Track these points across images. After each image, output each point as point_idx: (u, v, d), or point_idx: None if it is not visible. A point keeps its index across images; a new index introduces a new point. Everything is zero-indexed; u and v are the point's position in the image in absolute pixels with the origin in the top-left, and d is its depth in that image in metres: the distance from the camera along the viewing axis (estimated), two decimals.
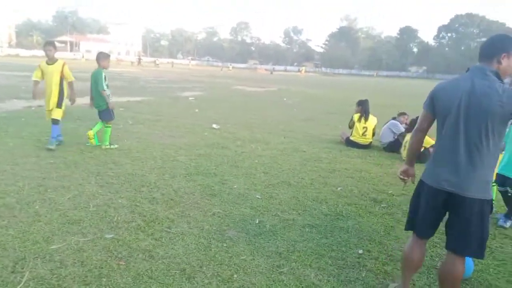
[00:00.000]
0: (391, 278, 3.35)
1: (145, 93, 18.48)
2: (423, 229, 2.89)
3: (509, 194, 4.68)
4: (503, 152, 4.72)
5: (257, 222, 4.31)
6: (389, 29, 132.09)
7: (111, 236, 3.76)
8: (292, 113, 14.68)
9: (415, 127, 3.01)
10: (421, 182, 2.89)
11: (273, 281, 3.19)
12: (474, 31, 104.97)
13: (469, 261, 3.36)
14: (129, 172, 5.77)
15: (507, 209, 4.76)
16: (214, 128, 9.93)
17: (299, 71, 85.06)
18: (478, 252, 2.68)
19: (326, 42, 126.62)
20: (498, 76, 2.61)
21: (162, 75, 39.01)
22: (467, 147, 2.60)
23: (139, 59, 73.07)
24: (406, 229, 3.02)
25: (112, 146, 7.12)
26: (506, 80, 2.71)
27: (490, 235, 3.68)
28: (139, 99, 15.70)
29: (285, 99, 20.45)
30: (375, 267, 3.52)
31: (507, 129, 2.74)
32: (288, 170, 6.45)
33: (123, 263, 3.28)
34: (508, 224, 4.67)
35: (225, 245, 3.74)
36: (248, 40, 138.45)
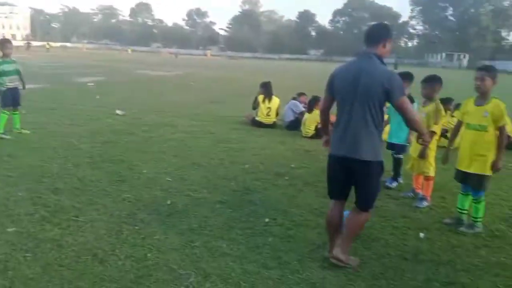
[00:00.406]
0: (294, 241, 3.71)
1: (38, 80, 17.02)
2: (336, 193, 3.39)
3: (395, 157, 5.42)
4: (389, 123, 5.40)
5: (169, 203, 4.42)
6: (289, 13, 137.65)
7: (13, 229, 3.60)
8: (200, 96, 14.73)
9: (321, 108, 3.51)
10: (329, 155, 3.35)
11: (186, 255, 3.35)
12: (365, 15, 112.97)
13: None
14: (27, 164, 5.45)
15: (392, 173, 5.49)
16: (118, 114, 9.64)
17: (204, 54, 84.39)
18: (370, 205, 3.30)
19: (230, 26, 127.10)
20: (381, 59, 3.12)
21: (55, 60, 36.08)
22: (358, 119, 3.08)
23: (28, 43, 66.49)
24: (329, 197, 3.47)
25: (5, 136, 6.62)
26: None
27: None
28: (32, 87, 14.46)
29: (192, 82, 20.35)
30: (280, 233, 3.86)
31: (388, 104, 3.22)
32: (198, 152, 6.59)
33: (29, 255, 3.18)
34: (394, 184, 5.37)
35: (137, 227, 3.79)
36: (150, 23, 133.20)
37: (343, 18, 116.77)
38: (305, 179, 5.50)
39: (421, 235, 3.95)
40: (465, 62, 78.70)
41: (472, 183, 4.09)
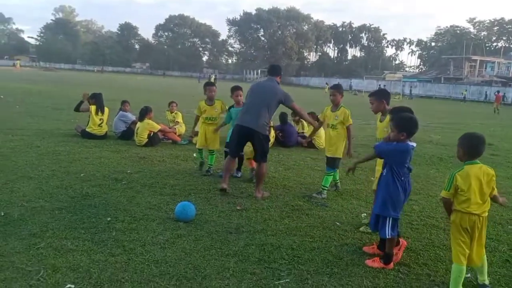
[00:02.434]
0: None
1: None
2: (234, 152, 5.82)
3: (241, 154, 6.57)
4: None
5: (2, 214, 4.35)
6: (109, 24, 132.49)
7: None
8: (16, 110, 13.47)
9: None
10: (235, 125, 5.73)
11: (33, 256, 3.51)
12: (187, 31, 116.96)
13: (190, 208, 4.59)
14: None
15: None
16: None
17: (14, 65, 74.30)
18: (264, 159, 5.63)
19: (42, 34, 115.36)
20: (278, 83, 5.77)
21: None
22: (257, 108, 5.54)
23: None
24: (226, 153, 6.11)
25: None
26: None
27: None
28: None
29: (1, 96, 18.18)
30: (123, 227, 4.28)
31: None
32: (25, 165, 6.36)
33: None
34: (239, 174, 6.27)
35: None
36: None
37: (166, 33, 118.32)
38: (142, 182, 5.96)
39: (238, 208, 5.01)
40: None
41: (328, 163, 5.86)
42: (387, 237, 3.72)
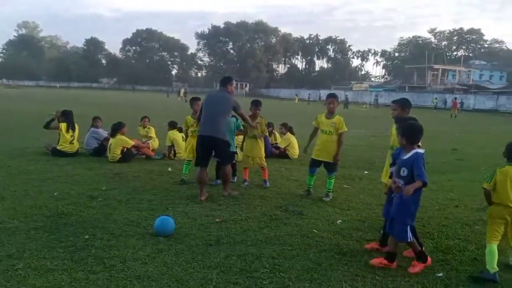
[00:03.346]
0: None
1: None
2: (202, 162, 6.10)
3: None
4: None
5: None
6: (74, 40, 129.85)
7: None
8: None
9: (197, 116, 6.42)
10: (198, 136, 6.15)
11: (11, 277, 3.46)
12: (155, 45, 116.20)
13: (169, 223, 4.62)
14: None
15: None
16: None
17: None
18: (228, 162, 6.28)
19: (4, 51, 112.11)
20: (229, 92, 6.21)
21: None
22: (213, 117, 5.99)
23: None
24: (196, 165, 6.26)
25: None
26: None
27: None
28: None
29: None
30: (102, 245, 4.26)
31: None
32: None
33: None
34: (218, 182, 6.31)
35: None
36: None
37: (134, 47, 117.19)
38: (118, 198, 5.92)
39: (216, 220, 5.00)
40: (247, 89, 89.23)
41: (328, 167, 6.27)
42: (409, 241, 3.93)
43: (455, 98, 44.14)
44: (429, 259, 4.03)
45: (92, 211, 5.32)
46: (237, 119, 7.31)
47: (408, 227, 3.90)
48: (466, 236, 4.98)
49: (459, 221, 5.55)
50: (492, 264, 3.79)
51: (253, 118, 6.88)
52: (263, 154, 7.11)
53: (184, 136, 7.74)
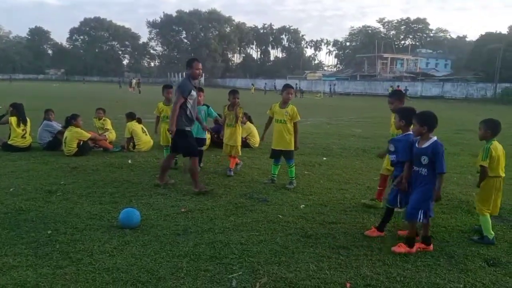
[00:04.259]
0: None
1: None
2: (173, 149, 6.26)
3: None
4: None
5: None
6: (18, 29, 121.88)
7: None
8: None
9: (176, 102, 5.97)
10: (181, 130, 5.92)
11: None
12: (105, 34, 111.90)
13: (135, 214, 4.59)
14: None
15: None
16: None
17: None
18: (189, 155, 6.05)
19: None
20: (188, 76, 5.97)
21: None
22: (173, 105, 5.97)
23: None
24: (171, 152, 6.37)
25: None
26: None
27: None
28: None
29: None
30: (66, 239, 4.16)
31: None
32: None
33: None
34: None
35: None
36: None
37: (82, 37, 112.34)
38: (78, 192, 5.77)
39: (182, 210, 5.01)
40: (202, 80, 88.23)
41: (285, 155, 6.43)
42: (417, 220, 4.11)
43: (398, 86, 48.53)
44: (415, 246, 4.11)
45: (52, 206, 5.16)
46: (208, 107, 7.41)
47: (422, 211, 4.07)
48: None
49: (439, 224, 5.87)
50: (490, 231, 4.38)
51: (232, 106, 7.09)
52: (240, 143, 7.25)
53: (155, 122, 8.06)
